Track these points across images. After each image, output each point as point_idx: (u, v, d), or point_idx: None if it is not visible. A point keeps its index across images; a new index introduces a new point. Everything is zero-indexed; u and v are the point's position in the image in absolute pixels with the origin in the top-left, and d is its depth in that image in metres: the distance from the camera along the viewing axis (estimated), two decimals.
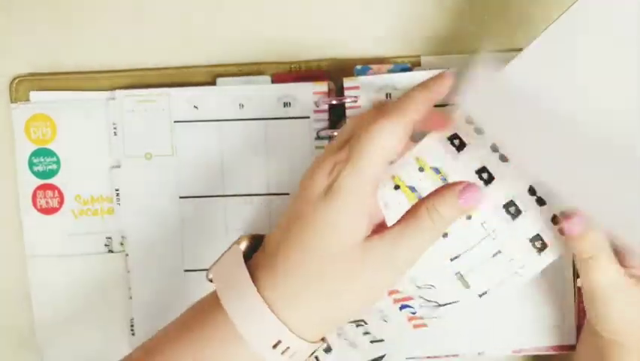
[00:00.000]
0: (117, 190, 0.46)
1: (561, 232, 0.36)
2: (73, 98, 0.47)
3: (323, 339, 0.33)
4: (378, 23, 0.48)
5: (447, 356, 0.46)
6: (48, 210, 0.47)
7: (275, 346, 0.30)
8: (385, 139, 0.31)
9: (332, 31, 0.48)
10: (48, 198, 0.47)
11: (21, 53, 0.48)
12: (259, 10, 0.48)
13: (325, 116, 0.45)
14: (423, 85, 0.35)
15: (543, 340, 0.46)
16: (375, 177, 0.31)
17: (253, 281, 0.31)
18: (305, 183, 0.33)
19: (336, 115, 0.46)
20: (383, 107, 0.34)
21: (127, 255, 0.46)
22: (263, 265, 0.32)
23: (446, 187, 0.32)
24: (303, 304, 0.31)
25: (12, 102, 0.47)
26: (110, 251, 0.47)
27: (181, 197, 0.46)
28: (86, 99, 0.47)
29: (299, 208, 0.32)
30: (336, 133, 0.45)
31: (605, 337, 0.38)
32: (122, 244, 0.47)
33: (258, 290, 0.31)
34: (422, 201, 0.32)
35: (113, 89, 0.47)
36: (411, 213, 0.32)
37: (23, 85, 0.47)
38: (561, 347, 0.46)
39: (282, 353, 0.30)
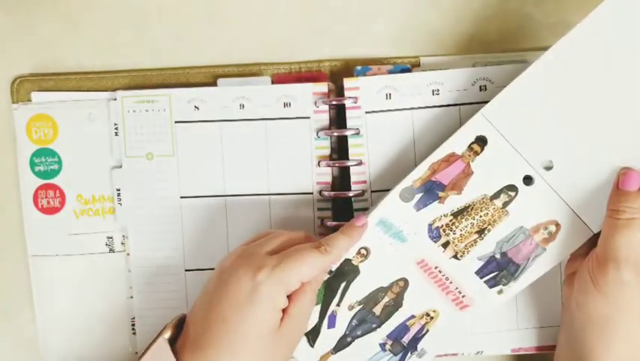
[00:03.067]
0: (118, 190, 0.46)
1: (617, 186, 0.39)
2: (75, 99, 0.47)
3: None
4: (378, 24, 0.48)
5: (446, 355, 0.46)
6: (49, 210, 0.47)
7: None
8: (311, 269, 0.38)
9: (332, 32, 0.48)
10: (49, 198, 0.47)
11: (22, 54, 0.48)
12: (259, 11, 0.48)
13: (325, 116, 0.45)
14: (347, 234, 0.41)
15: (542, 339, 0.46)
16: (290, 289, 0.38)
17: None
18: (227, 276, 0.38)
19: (337, 115, 0.46)
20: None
21: (128, 254, 0.47)
22: (188, 350, 0.38)
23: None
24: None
25: (13, 103, 0.47)
26: (111, 251, 0.47)
27: (182, 197, 0.46)
28: (87, 100, 0.47)
29: (221, 308, 0.37)
30: (336, 133, 0.45)
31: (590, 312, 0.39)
32: (123, 243, 0.47)
33: None
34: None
35: (114, 89, 0.47)
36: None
37: (24, 85, 0.47)
38: None
39: None
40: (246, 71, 0.47)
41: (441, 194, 0.42)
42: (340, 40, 0.48)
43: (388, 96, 0.45)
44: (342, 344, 0.43)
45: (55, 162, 0.47)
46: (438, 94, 0.45)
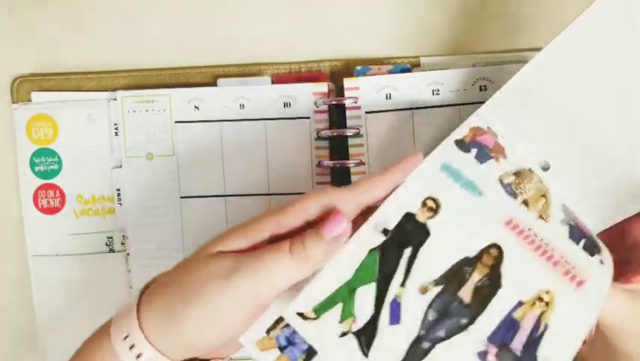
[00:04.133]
0: (118, 190, 0.46)
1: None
2: (75, 99, 0.47)
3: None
4: (378, 24, 0.48)
5: None
6: (49, 210, 0.47)
7: (130, 348, 0.31)
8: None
9: (332, 32, 0.48)
10: (49, 198, 0.47)
11: (22, 54, 0.48)
12: (259, 11, 0.48)
13: (325, 116, 0.45)
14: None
15: None
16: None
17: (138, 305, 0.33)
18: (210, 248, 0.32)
19: (337, 115, 0.46)
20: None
21: (128, 254, 0.47)
22: (149, 292, 0.33)
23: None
24: (157, 312, 0.32)
25: (13, 103, 0.47)
26: (112, 251, 0.47)
27: (182, 197, 0.46)
28: (87, 99, 0.47)
29: (193, 265, 0.32)
30: (336, 133, 0.45)
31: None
32: (123, 243, 0.47)
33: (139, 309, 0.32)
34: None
35: (114, 89, 0.47)
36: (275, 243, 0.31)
37: (25, 85, 0.47)
38: None
39: (137, 357, 0.31)
40: (246, 71, 0.47)
41: (492, 154, 0.34)
42: (340, 40, 0.48)
43: (388, 96, 0.45)
44: (415, 354, 0.29)
45: (55, 162, 0.47)
46: (438, 94, 0.45)
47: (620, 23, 0.38)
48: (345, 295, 0.30)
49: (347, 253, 0.30)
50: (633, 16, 0.37)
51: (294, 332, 0.30)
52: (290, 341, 0.30)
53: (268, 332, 0.31)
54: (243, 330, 0.31)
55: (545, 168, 0.39)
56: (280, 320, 0.31)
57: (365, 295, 0.29)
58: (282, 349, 0.30)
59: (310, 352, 0.30)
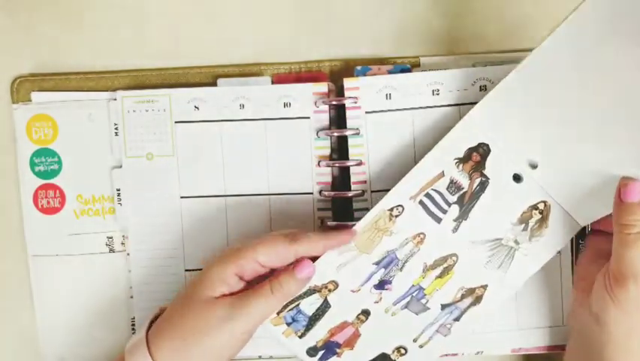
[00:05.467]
0: (118, 190, 0.46)
1: (619, 198, 0.38)
2: (75, 99, 0.47)
3: None
4: (379, 24, 0.48)
5: (446, 355, 0.46)
6: (49, 210, 0.47)
7: None
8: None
9: (332, 32, 0.48)
10: (49, 198, 0.47)
11: (22, 54, 0.48)
12: (259, 11, 0.48)
13: (325, 116, 0.45)
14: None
15: (542, 339, 0.46)
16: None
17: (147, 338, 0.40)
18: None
19: (337, 115, 0.46)
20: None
21: (128, 254, 0.47)
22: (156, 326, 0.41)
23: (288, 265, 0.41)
24: (169, 346, 0.39)
25: (13, 103, 0.47)
26: (112, 251, 0.47)
27: (182, 197, 0.46)
28: (87, 100, 0.47)
29: (199, 309, 0.40)
30: (336, 133, 0.45)
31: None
32: (123, 243, 0.47)
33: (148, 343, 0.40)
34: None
35: (114, 89, 0.47)
36: (257, 285, 0.40)
37: (24, 85, 0.47)
38: (560, 347, 0.46)
39: None
40: (246, 71, 0.47)
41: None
42: (340, 40, 0.48)
43: (388, 96, 0.45)
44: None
45: (55, 162, 0.47)
46: (438, 94, 0.45)
47: (602, 28, 0.38)
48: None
49: None
50: (615, 21, 0.37)
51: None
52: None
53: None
54: (237, 353, 0.40)
55: (534, 166, 0.41)
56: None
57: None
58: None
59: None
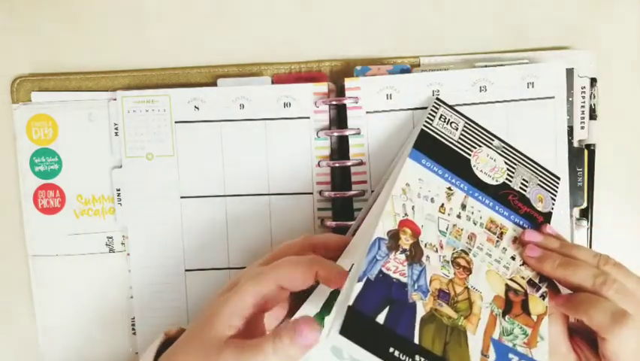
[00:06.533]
0: (118, 190, 0.46)
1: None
2: (75, 99, 0.47)
3: None
4: (379, 24, 0.48)
5: None
6: (49, 210, 0.47)
7: None
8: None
9: (332, 32, 0.48)
10: (49, 198, 0.47)
11: (22, 54, 0.48)
12: (259, 11, 0.48)
13: (325, 116, 0.45)
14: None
15: None
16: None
17: None
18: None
19: (337, 115, 0.46)
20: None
21: (128, 254, 0.47)
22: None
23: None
24: None
25: (13, 103, 0.47)
26: (111, 251, 0.47)
27: (182, 197, 0.46)
28: (87, 100, 0.47)
29: (208, 351, 0.36)
30: (336, 133, 0.45)
31: None
32: (123, 243, 0.47)
33: None
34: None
35: (114, 89, 0.47)
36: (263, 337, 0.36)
37: (24, 85, 0.47)
38: None
39: None
40: (246, 71, 0.47)
41: None
42: (340, 40, 0.48)
43: (389, 96, 0.45)
44: None
45: (55, 162, 0.47)
46: (438, 94, 0.45)
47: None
48: None
49: None
50: None
51: None
52: None
53: None
54: None
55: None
56: None
57: None
58: None
59: None
